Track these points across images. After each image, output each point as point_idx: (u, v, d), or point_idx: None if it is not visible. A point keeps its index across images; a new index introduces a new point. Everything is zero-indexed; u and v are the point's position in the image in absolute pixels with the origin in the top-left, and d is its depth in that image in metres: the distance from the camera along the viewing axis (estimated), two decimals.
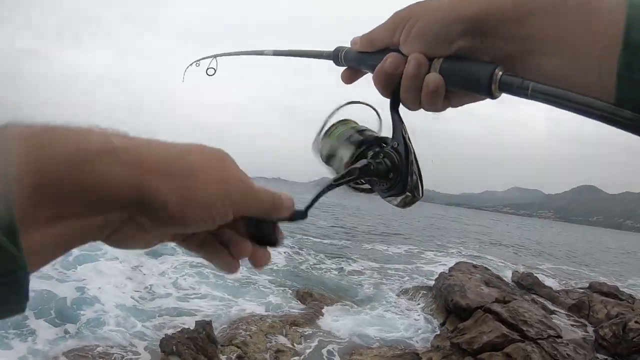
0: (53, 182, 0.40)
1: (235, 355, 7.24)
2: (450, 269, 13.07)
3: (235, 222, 0.55)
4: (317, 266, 15.06)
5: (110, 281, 9.89)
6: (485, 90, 0.60)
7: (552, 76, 0.57)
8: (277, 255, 15.49)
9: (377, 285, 13.07)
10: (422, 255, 20.40)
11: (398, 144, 0.68)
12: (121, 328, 7.90)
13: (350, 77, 0.78)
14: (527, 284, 14.03)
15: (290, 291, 11.42)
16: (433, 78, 0.63)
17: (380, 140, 0.71)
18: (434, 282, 12.31)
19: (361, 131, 0.74)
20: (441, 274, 12.30)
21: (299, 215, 0.62)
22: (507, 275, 16.01)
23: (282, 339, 8.10)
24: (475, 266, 13.61)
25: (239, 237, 0.58)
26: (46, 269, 6.70)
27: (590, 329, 10.00)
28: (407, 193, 0.67)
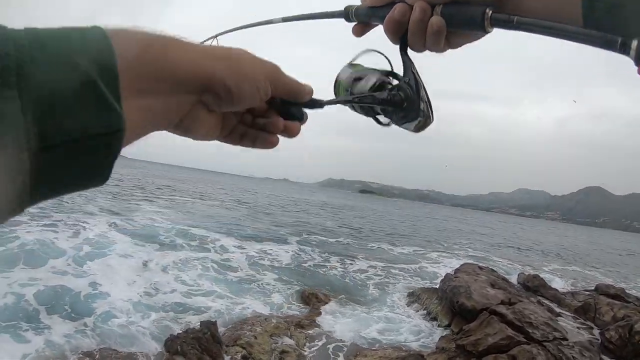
0: (144, 60, 0.49)
1: (240, 355, 7.24)
2: (456, 271, 13.04)
3: (267, 108, 0.69)
4: (322, 265, 15.05)
5: (120, 277, 10.04)
6: (480, 26, 0.72)
7: (533, 11, 0.70)
8: (283, 254, 15.61)
9: (382, 286, 13.07)
10: (428, 256, 20.37)
11: (409, 79, 0.79)
12: (130, 325, 7.97)
13: (360, 30, 0.89)
14: (533, 286, 13.99)
15: (295, 290, 11.45)
16: (436, 20, 0.75)
17: (396, 76, 0.81)
18: (439, 283, 12.30)
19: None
20: (447, 275, 12.28)
21: (318, 104, 0.72)
22: (513, 276, 15.97)
23: (287, 340, 8.10)
24: (480, 267, 13.56)
25: (272, 117, 0.69)
26: (59, 264, 6.85)
27: (596, 331, 9.94)
28: (420, 118, 0.78)
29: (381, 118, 0.82)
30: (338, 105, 0.78)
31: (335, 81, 0.83)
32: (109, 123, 0.43)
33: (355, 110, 0.83)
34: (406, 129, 0.81)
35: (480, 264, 14.95)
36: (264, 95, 0.63)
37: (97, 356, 6.78)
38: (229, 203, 35.03)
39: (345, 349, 8.28)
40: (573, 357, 7.33)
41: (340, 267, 15.00)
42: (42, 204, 0.48)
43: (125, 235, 14.04)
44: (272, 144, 0.71)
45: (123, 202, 23.13)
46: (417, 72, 0.79)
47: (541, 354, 7.20)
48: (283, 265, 13.95)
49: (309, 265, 14.75)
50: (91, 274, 9.84)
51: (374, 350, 8.28)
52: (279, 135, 0.71)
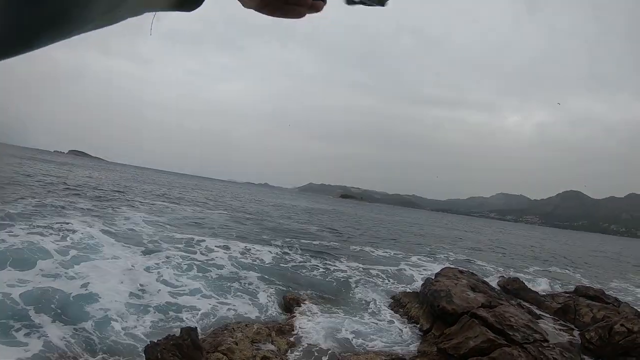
0: None
1: None
2: (437, 275, 13.06)
3: None
4: (304, 268, 14.98)
5: (108, 279, 10.07)
6: None
7: None
8: (266, 256, 15.59)
9: (363, 290, 13.03)
10: (409, 260, 20.38)
11: None
12: (115, 329, 7.99)
13: None
14: (513, 289, 14.09)
15: (277, 294, 11.40)
16: None
17: None
18: (420, 287, 12.30)
19: None
20: (427, 280, 12.29)
21: None
22: (494, 280, 16.07)
23: (268, 346, 8.01)
24: (461, 271, 13.60)
25: None
26: (49, 267, 6.74)
27: (576, 332, 10.02)
28: None
29: None
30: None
31: None
32: None
33: None
34: (372, 5, 0.81)
35: (461, 268, 15.01)
36: None
37: None
38: (212, 207, 34.70)
39: (326, 354, 8.20)
40: (554, 358, 7.35)
41: (322, 271, 14.94)
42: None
43: (110, 238, 14.05)
44: (299, 14, 0.78)
45: (105, 207, 22.82)
46: None
47: (522, 356, 7.21)
48: (265, 268, 13.87)
49: (290, 269, 14.68)
50: (80, 277, 9.83)
51: (355, 355, 8.21)
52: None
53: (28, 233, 12.44)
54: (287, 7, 0.76)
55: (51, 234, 12.98)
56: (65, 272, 9.92)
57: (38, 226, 13.52)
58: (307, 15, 0.79)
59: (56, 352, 6.82)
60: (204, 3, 0.69)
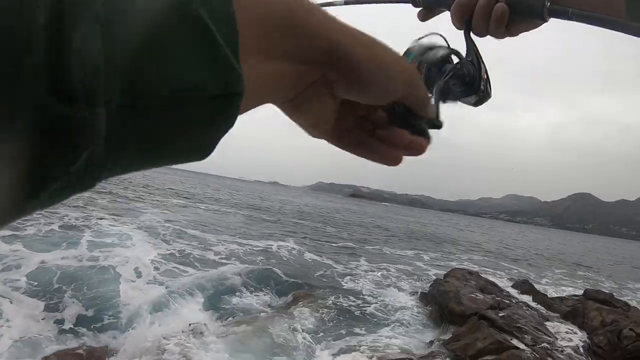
0: (268, 19, 0.39)
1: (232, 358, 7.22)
2: (445, 275, 13.07)
3: (387, 119, 0.58)
4: (314, 265, 15.03)
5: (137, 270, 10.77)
6: (539, 15, 0.84)
7: (585, 4, 0.80)
8: (282, 253, 15.74)
9: (372, 290, 13.04)
10: (418, 260, 20.40)
11: (472, 59, 0.85)
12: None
13: (425, 16, 0.97)
14: (523, 291, 14.05)
15: (287, 290, 11.55)
16: (500, 7, 0.85)
17: (460, 54, 0.83)
18: (428, 287, 12.31)
19: None
20: (436, 280, 12.29)
21: (438, 124, 0.61)
22: (503, 281, 16.04)
23: (283, 340, 8.07)
24: (470, 272, 13.60)
25: (393, 129, 0.58)
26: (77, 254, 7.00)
27: (585, 336, 9.98)
28: (480, 93, 0.85)
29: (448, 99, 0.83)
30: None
31: (405, 53, 0.81)
32: (226, 83, 0.34)
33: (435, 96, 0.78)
34: (465, 103, 0.86)
35: (470, 269, 15.01)
36: (396, 93, 0.53)
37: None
38: (224, 206, 34.90)
39: (335, 351, 8.24)
40: None
41: (333, 269, 14.98)
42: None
43: (135, 233, 14.75)
44: (395, 160, 0.59)
45: (122, 203, 23.32)
46: (479, 53, 0.86)
47: (530, 359, 7.22)
48: (280, 265, 13.95)
49: (304, 266, 14.73)
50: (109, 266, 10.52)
51: (362, 353, 8.24)
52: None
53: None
54: (375, 146, 0.58)
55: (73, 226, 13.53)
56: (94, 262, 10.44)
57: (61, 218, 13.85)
58: (404, 158, 0.59)
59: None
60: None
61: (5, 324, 7.12)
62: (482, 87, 0.84)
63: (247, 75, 0.35)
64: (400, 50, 0.78)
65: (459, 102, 0.85)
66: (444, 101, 0.81)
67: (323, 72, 0.48)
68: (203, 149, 0.37)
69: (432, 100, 0.66)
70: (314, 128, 0.55)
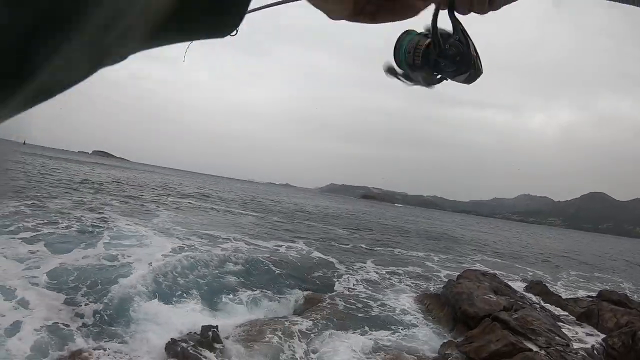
0: None
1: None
2: (459, 277, 13.06)
3: None
4: (327, 267, 15.06)
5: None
6: None
7: None
8: (292, 255, 15.84)
9: (386, 291, 13.03)
10: (432, 261, 20.34)
11: (459, 37, 0.83)
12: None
13: None
14: (536, 292, 13.98)
15: (298, 294, 11.57)
16: None
17: (446, 35, 0.85)
18: (442, 289, 12.29)
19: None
20: (449, 282, 12.28)
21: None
22: (516, 283, 15.96)
23: (289, 344, 8.11)
24: (483, 274, 13.57)
25: None
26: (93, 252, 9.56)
27: (599, 337, 9.93)
28: (471, 70, 0.84)
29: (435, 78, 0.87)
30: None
31: (396, 46, 0.87)
32: None
33: (417, 81, 0.87)
34: (458, 81, 0.86)
35: (483, 270, 14.96)
36: None
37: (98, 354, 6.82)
38: (236, 207, 35.01)
39: (349, 354, 8.25)
40: None
41: (344, 271, 14.99)
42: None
43: (150, 233, 15.39)
44: (415, 8, 0.67)
45: (136, 204, 23.79)
46: (466, 31, 0.84)
47: None
48: (291, 267, 14.01)
49: (315, 268, 14.76)
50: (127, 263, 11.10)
51: (376, 355, 8.26)
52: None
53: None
54: (392, 5, 0.66)
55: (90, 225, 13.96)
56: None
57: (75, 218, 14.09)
58: (424, 9, 0.69)
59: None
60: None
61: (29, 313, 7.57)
62: (472, 64, 0.84)
63: None
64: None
65: (452, 81, 0.87)
66: (439, 80, 0.88)
67: None
68: (233, 23, 0.42)
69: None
70: (337, 8, 0.62)
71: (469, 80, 0.86)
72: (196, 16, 0.38)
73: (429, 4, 0.70)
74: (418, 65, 0.85)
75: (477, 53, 0.85)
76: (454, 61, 0.83)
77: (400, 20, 0.68)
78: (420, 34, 0.87)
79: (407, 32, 0.88)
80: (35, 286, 8.76)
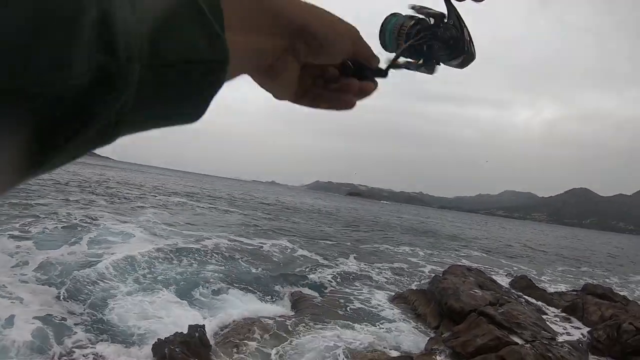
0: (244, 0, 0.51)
1: (229, 359, 7.18)
2: (444, 272, 13.06)
3: (339, 74, 0.69)
4: (311, 265, 15.01)
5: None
6: None
7: None
8: (275, 253, 15.76)
9: (371, 288, 13.02)
10: (416, 257, 20.40)
11: (453, 21, 0.83)
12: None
13: None
14: (521, 287, 14.04)
15: (283, 292, 11.50)
16: None
17: (440, 17, 0.85)
18: (427, 284, 12.29)
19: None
20: (435, 277, 12.28)
21: (384, 72, 0.73)
22: (502, 278, 16.05)
23: (276, 342, 8.05)
24: (469, 269, 13.59)
25: (347, 78, 0.69)
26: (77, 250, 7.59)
27: (584, 331, 9.98)
28: (464, 54, 0.83)
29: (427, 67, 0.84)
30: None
31: (381, 29, 0.84)
32: (215, 50, 0.41)
33: (408, 67, 0.82)
34: (451, 65, 0.85)
35: (469, 265, 15.00)
36: (347, 51, 0.65)
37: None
38: (222, 205, 34.88)
39: (336, 351, 8.20)
40: (562, 356, 7.33)
41: (329, 268, 14.94)
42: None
43: (135, 231, 15.40)
44: (349, 104, 0.70)
45: (122, 203, 23.63)
46: (460, 15, 0.84)
47: (530, 354, 7.19)
48: (275, 264, 13.97)
49: (299, 265, 14.72)
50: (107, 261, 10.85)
51: (363, 352, 8.21)
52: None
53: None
54: (331, 96, 0.69)
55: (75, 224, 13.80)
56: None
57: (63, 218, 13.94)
58: (357, 103, 0.71)
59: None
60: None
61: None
62: (465, 48, 0.84)
63: (231, 46, 0.42)
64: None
65: (444, 65, 0.85)
66: (431, 64, 0.84)
67: (291, 42, 0.58)
68: (196, 111, 0.44)
69: (399, 58, 0.78)
70: (282, 91, 0.65)
71: (462, 64, 0.85)
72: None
73: (363, 96, 0.72)
74: (404, 48, 0.81)
75: (470, 38, 0.85)
76: (447, 45, 0.82)
77: (337, 110, 0.70)
78: (406, 15, 0.85)
79: (393, 15, 0.87)
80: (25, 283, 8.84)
